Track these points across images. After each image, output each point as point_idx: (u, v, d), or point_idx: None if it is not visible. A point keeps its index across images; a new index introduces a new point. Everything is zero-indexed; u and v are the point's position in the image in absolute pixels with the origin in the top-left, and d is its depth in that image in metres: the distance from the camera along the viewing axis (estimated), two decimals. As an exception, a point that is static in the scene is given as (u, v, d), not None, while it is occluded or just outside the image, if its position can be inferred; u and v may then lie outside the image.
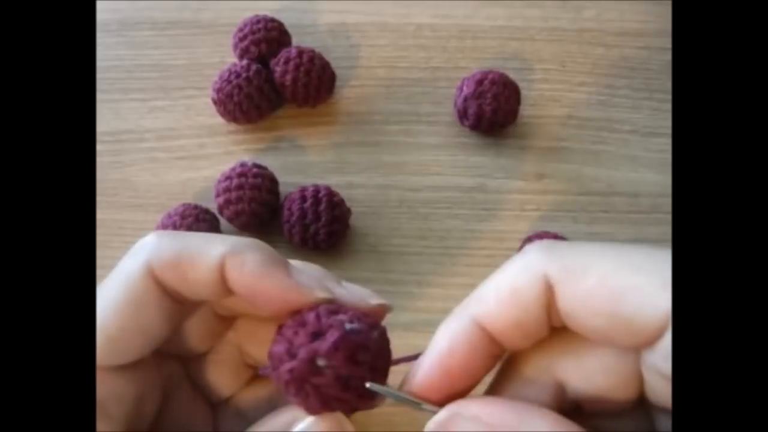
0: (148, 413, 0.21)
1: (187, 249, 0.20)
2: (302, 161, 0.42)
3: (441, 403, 0.19)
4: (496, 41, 0.48)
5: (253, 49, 0.44)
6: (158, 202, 0.41)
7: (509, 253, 0.38)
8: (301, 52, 0.42)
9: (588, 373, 0.19)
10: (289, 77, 0.42)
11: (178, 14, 0.49)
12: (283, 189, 0.40)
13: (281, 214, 0.38)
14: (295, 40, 0.46)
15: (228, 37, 0.46)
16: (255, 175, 0.38)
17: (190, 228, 0.36)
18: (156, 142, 0.43)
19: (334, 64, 0.44)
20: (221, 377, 0.23)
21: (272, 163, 0.41)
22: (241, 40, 0.44)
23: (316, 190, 0.38)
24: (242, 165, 0.39)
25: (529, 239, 0.37)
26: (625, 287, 0.17)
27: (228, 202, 0.38)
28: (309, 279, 0.20)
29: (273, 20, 0.45)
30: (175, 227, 0.37)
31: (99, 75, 0.46)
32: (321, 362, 0.19)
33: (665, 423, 0.19)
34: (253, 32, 0.44)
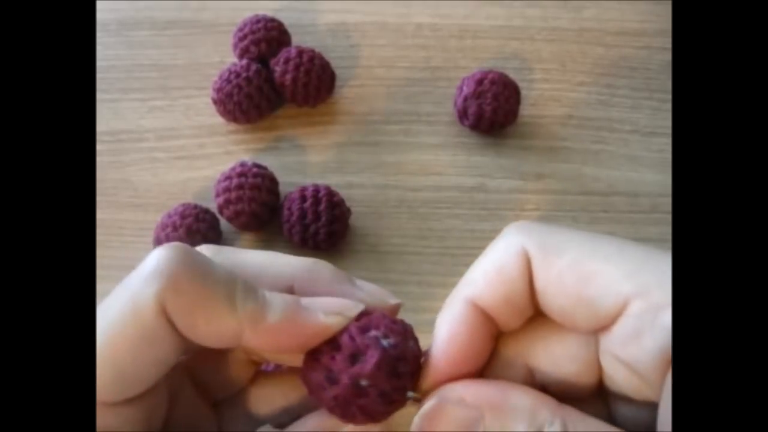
0: (158, 424, 0.21)
1: (204, 300, 0.18)
2: (302, 161, 0.42)
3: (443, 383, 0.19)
4: (496, 41, 0.48)
5: (253, 48, 0.44)
6: (158, 202, 0.41)
7: (509, 253, 0.38)
8: (301, 52, 0.42)
9: (555, 360, 0.20)
10: (289, 77, 0.42)
11: (178, 14, 0.49)
12: (283, 189, 0.40)
13: (281, 214, 0.38)
14: (295, 40, 0.46)
15: (228, 36, 0.46)
16: (255, 175, 0.38)
17: (189, 228, 0.36)
18: (156, 141, 0.43)
19: (334, 64, 0.44)
20: (225, 375, 0.23)
21: (272, 163, 0.41)
22: (241, 39, 0.44)
23: (316, 190, 0.38)
24: (242, 165, 0.39)
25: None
26: (593, 272, 0.18)
27: (228, 202, 0.38)
28: (331, 306, 0.20)
29: (273, 20, 0.45)
30: (175, 227, 0.37)
31: (99, 75, 0.46)
32: (364, 383, 0.19)
33: (621, 410, 0.20)
34: (253, 32, 0.44)
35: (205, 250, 0.21)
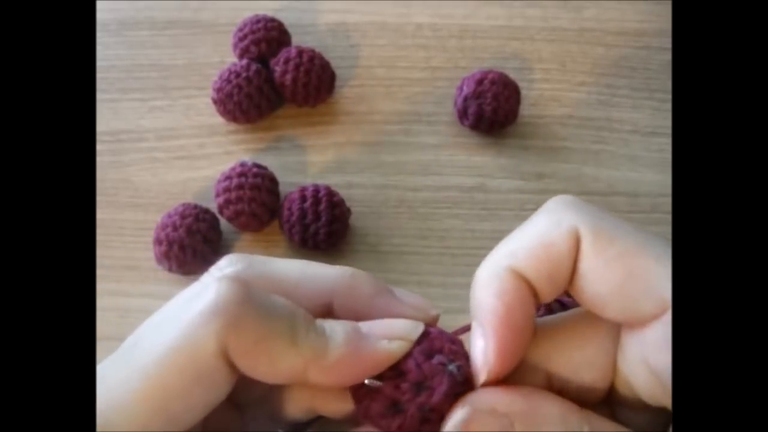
0: None
1: (266, 339, 0.18)
2: (302, 161, 0.42)
3: (503, 374, 0.19)
4: (496, 41, 0.48)
5: (253, 48, 0.44)
6: (158, 202, 0.41)
7: (509, 253, 0.38)
8: (301, 52, 0.42)
9: (575, 367, 0.20)
10: (289, 77, 0.42)
11: (178, 14, 0.49)
12: (283, 189, 0.40)
13: (281, 214, 0.38)
14: (295, 40, 0.46)
15: (228, 36, 0.46)
16: (255, 175, 0.38)
17: (189, 228, 0.36)
18: (156, 141, 0.43)
19: (334, 64, 0.44)
20: (253, 381, 0.23)
21: (272, 163, 0.41)
22: (240, 39, 0.44)
23: (316, 189, 0.38)
24: (242, 165, 0.39)
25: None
26: (641, 268, 0.17)
27: (228, 202, 0.38)
28: (393, 331, 0.19)
29: (273, 20, 0.45)
30: (175, 227, 0.36)
31: (98, 75, 0.46)
32: (429, 411, 0.18)
33: (626, 417, 0.20)
34: (253, 32, 0.44)
35: (237, 260, 0.20)
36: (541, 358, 0.20)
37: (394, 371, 0.19)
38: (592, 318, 0.19)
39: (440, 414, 0.18)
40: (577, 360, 0.20)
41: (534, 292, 0.19)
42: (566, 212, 0.19)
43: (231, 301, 0.18)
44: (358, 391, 0.19)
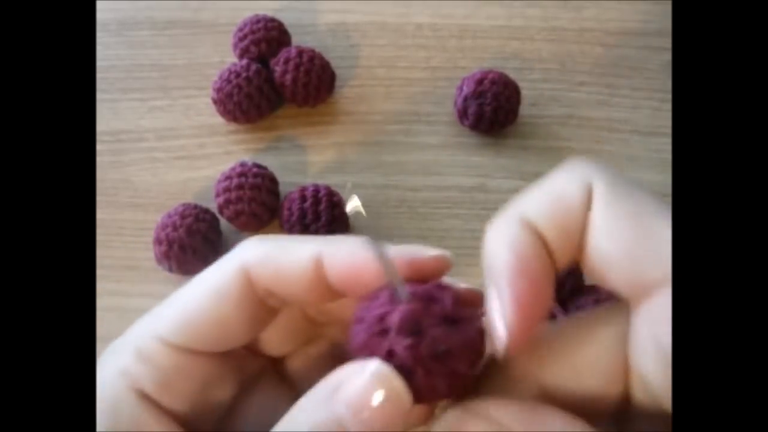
0: (217, 402, 0.21)
1: (281, 245, 0.20)
2: (302, 161, 0.42)
3: (525, 336, 0.17)
4: (496, 41, 0.48)
5: (253, 48, 0.44)
6: (158, 202, 0.41)
7: (509, 253, 0.38)
8: (301, 52, 0.42)
9: (577, 372, 0.18)
10: (289, 77, 0.42)
11: (178, 14, 0.49)
12: (283, 189, 0.40)
13: (281, 214, 0.38)
14: (295, 40, 0.46)
15: (228, 36, 0.46)
16: (255, 175, 0.38)
17: (189, 228, 0.36)
18: (156, 141, 0.43)
19: (334, 64, 0.44)
20: (310, 372, 0.23)
21: (272, 163, 0.41)
22: (240, 39, 0.44)
23: (316, 190, 0.38)
24: (242, 165, 0.39)
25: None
26: (655, 229, 0.16)
27: (228, 201, 0.38)
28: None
29: (273, 20, 0.45)
30: (175, 227, 0.37)
31: (99, 75, 0.46)
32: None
33: (645, 428, 0.18)
34: (253, 32, 0.44)
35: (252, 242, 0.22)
36: (531, 368, 0.18)
37: (425, 296, 0.18)
38: (593, 319, 0.18)
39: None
40: (578, 364, 0.18)
41: (548, 248, 0.17)
42: (581, 167, 0.18)
43: (252, 241, 0.21)
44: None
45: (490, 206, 0.41)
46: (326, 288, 0.20)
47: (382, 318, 0.18)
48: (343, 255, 0.20)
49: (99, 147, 0.43)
